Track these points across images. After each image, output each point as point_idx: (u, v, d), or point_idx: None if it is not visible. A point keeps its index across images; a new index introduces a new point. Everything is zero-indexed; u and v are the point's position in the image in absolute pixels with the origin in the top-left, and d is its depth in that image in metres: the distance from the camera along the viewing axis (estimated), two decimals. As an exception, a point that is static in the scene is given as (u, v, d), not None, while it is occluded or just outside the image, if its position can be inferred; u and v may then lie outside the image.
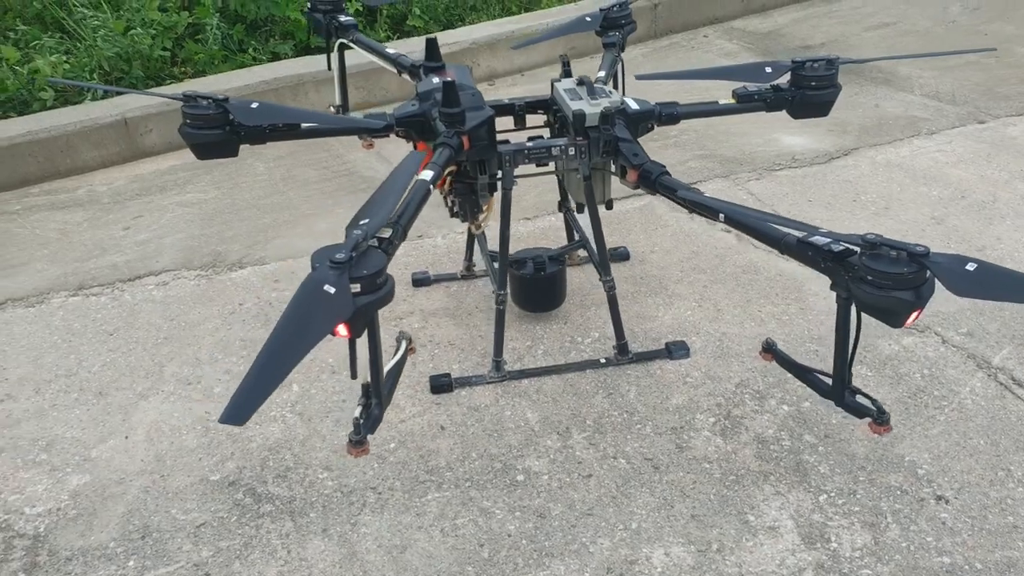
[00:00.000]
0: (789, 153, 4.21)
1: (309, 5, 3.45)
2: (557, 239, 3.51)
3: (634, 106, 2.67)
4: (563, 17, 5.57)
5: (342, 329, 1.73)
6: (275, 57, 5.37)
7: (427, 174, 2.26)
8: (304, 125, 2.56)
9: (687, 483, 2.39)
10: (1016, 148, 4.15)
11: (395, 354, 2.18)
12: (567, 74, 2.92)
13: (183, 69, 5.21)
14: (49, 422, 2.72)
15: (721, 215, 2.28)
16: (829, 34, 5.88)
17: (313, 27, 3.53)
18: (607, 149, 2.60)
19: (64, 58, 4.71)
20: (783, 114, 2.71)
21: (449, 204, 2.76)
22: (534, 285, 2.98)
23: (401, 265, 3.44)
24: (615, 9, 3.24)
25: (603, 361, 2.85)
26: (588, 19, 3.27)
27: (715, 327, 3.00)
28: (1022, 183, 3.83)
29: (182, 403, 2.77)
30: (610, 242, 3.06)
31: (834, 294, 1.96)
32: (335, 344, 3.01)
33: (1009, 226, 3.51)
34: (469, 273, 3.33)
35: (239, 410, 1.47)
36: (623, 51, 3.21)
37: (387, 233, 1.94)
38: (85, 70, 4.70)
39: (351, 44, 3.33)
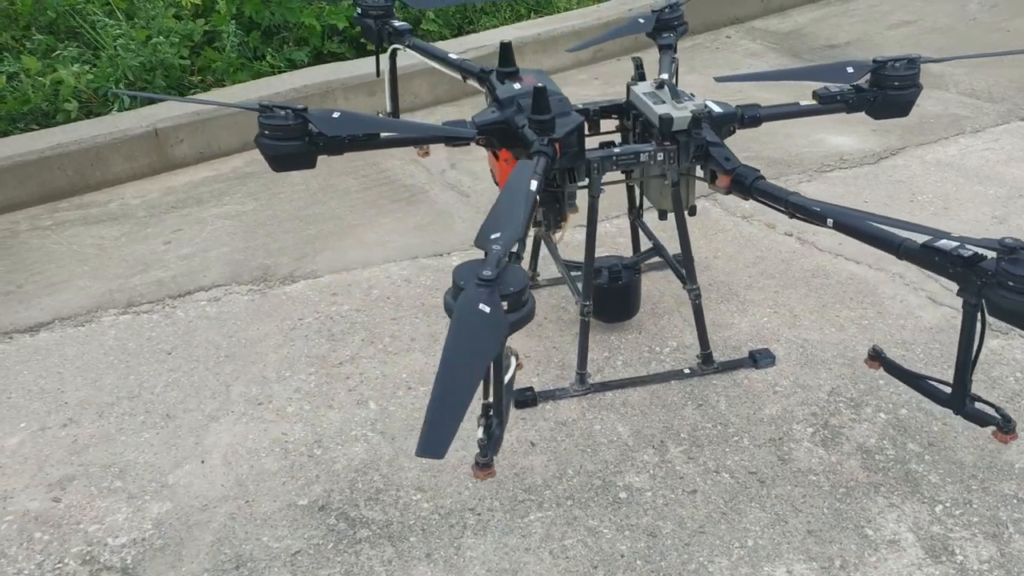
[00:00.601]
0: (837, 153, 4.16)
1: (359, 11, 3.36)
2: (614, 246, 3.44)
3: (717, 109, 2.60)
4: (582, 18, 5.52)
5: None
6: (291, 64, 5.26)
7: (532, 184, 2.18)
8: (384, 135, 2.47)
9: (796, 497, 2.32)
10: (1063, 145, 4.13)
11: (505, 371, 2.10)
12: (641, 77, 2.85)
13: (201, 77, 5.09)
14: (118, 447, 2.61)
15: (829, 220, 2.21)
16: (852, 33, 5.85)
17: (363, 32, 3.44)
18: (697, 153, 2.53)
19: (87, 68, 4.58)
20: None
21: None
22: (610, 295, 2.90)
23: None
24: (667, 11, 3.16)
25: (687, 372, 2.78)
26: (641, 20, 3.19)
27: (795, 334, 2.94)
28: (1077, 180, 3.81)
29: (255, 424, 2.67)
30: (671, 249, 2.99)
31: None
32: (409, 359, 2.94)
33: (1073, 224, 3.49)
34: (533, 283, 3.25)
35: (434, 443, 1.38)
36: (676, 52, 3.14)
37: (515, 247, 1.85)
38: (110, 80, 4.58)
39: (406, 49, 3.25)
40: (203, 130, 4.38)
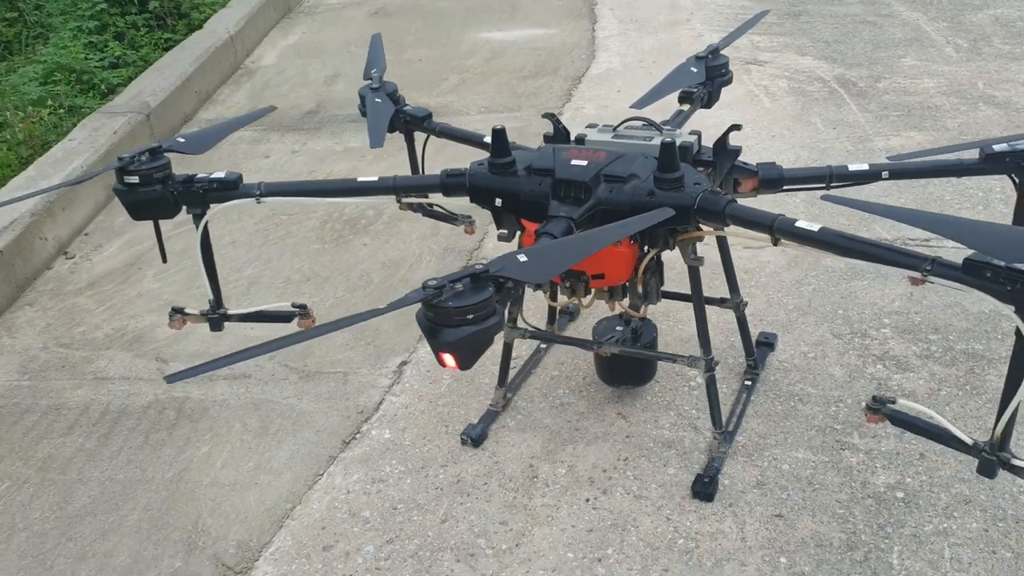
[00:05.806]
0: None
1: (132, 179, 2.32)
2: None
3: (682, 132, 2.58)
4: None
5: None
6: None
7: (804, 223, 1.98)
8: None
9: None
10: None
11: None
12: (566, 131, 2.60)
13: None
14: None
15: (884, 173, 2.46)
16: (324, 96, 5.71)
17: (140, 209, 2.38)
18: (729, 168, 2.50)
19: None
20: None
21: (642, 289, 2.32)
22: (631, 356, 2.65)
23: (414, 440, 2.64)
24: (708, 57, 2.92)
25: (748, 383, 2.76)
26: (693, 70, 2.88)
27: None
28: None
29: None
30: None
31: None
32: (571, 511, 2.43)
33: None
34: (507, 400, 2.75)
35: None
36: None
37: None
38: None
39: (260, 200, 2.38)
40: None
